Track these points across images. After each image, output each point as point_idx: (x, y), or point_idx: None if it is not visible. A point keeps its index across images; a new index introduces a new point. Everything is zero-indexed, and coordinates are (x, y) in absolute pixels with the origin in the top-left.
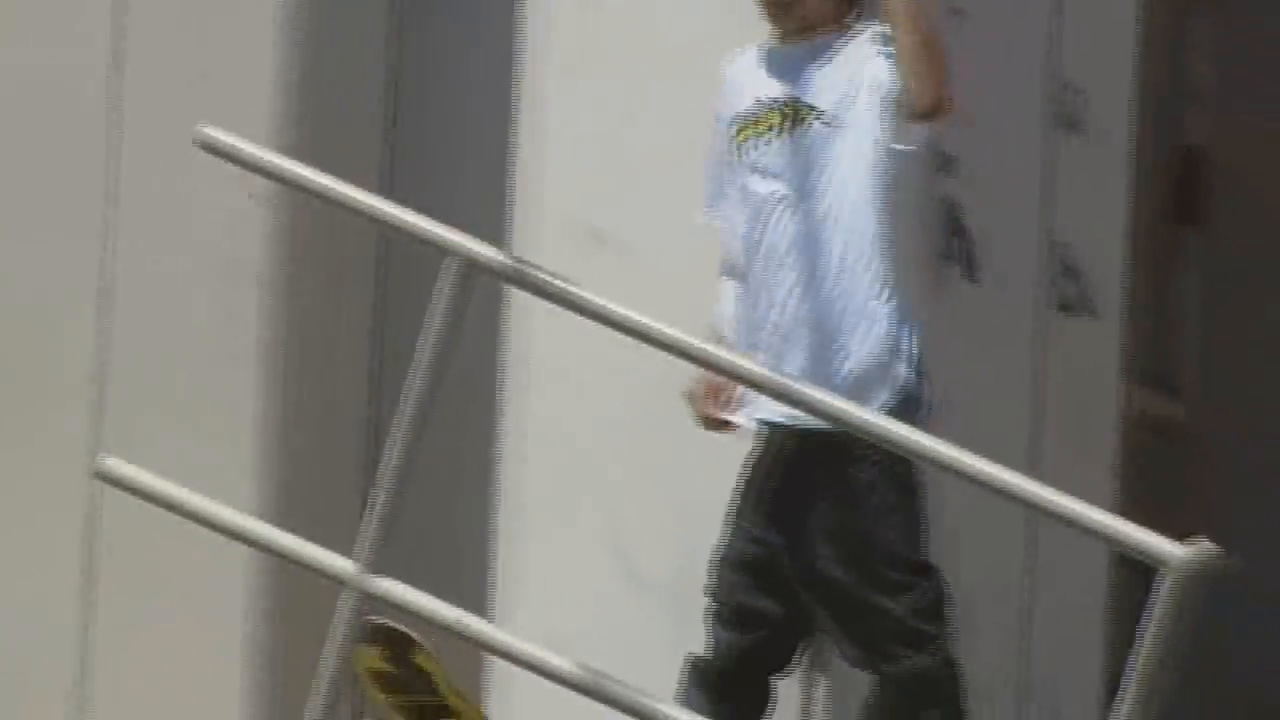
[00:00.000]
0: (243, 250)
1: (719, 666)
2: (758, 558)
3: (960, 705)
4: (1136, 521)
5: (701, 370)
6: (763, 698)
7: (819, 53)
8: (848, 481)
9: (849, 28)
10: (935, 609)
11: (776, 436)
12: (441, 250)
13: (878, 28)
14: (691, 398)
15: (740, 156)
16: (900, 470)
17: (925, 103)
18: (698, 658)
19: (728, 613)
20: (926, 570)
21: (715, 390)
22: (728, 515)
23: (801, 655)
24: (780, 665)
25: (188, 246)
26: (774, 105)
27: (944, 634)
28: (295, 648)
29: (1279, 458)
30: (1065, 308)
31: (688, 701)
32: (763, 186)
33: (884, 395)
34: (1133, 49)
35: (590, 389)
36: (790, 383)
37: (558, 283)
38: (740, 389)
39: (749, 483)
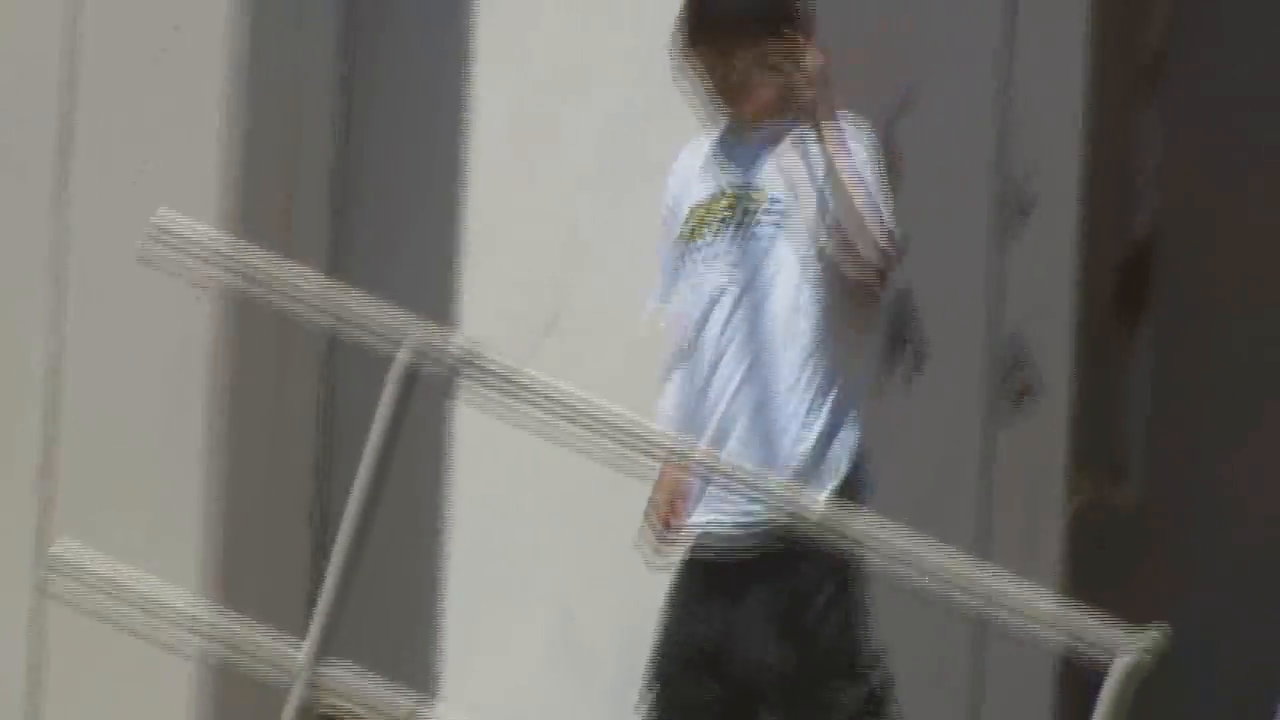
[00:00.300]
0: (190, 338)
1: None
2: (700, 651)
3: None
4: (1087, 607)
5: (660, 480)
6: None
7: (769, 141)
8: (791, 577)
9: (790, 114)
10: (883, 697)
11: (717, 533)
12: (392, 337)
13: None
14: (653, 506)
15: (691, 246)
16: (843, 563)
17: (864, 271)
18: None
19: (667, 702)
20: (873, 660)
21: (679, 499)
22: (666, 607)
23: None
24: None
25: (135, 335)
26: (724, 195)
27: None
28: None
29: (1227, 542)
30: (1014, 397)
31: None
32: (711, 278)
33: (827, 484)
34: (1080, 141)
35: (536, 465)
36: (738, 470)
37: (507, 370)
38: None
39: (687, 580)
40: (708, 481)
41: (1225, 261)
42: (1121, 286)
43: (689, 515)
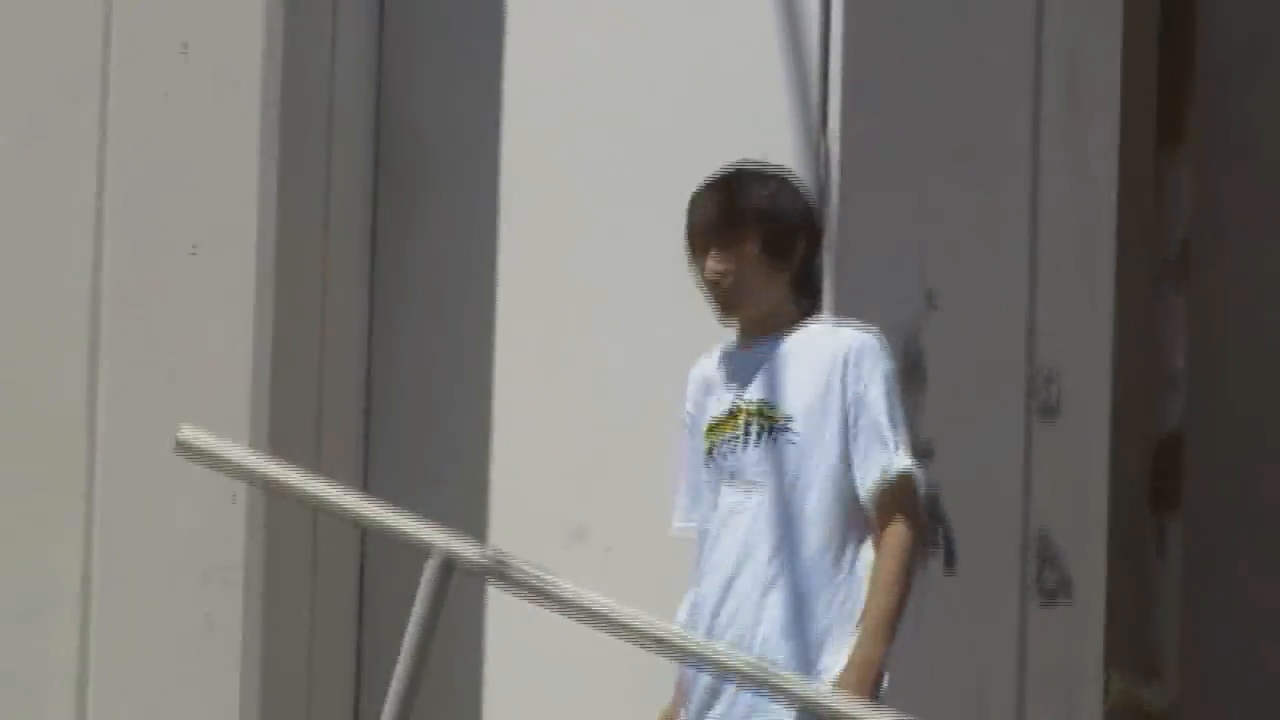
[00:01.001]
0: (222, 551)
1: None
2: None
3: None
4: None
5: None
6: None
7: (778, 355)
8: None
9: (805, 325)
10: None
11: None
12: (422, 546)
13: (834, 330)
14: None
15: (709, 462)
16: None
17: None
18: None
19: None
20: None
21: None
22: None
23: None
24: None
25: (166, 547)
26: (740, 410)
27: None
28: None
29: None
30: (1046, 596)
31: None
32: (732, 491)
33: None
34: (1108, 338)
35: (564, 667)
36: (767, 668)
37: (535, 578)
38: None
39: None
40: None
41: (1253, 455)
42: (1153, 482)
43: (703, 714)
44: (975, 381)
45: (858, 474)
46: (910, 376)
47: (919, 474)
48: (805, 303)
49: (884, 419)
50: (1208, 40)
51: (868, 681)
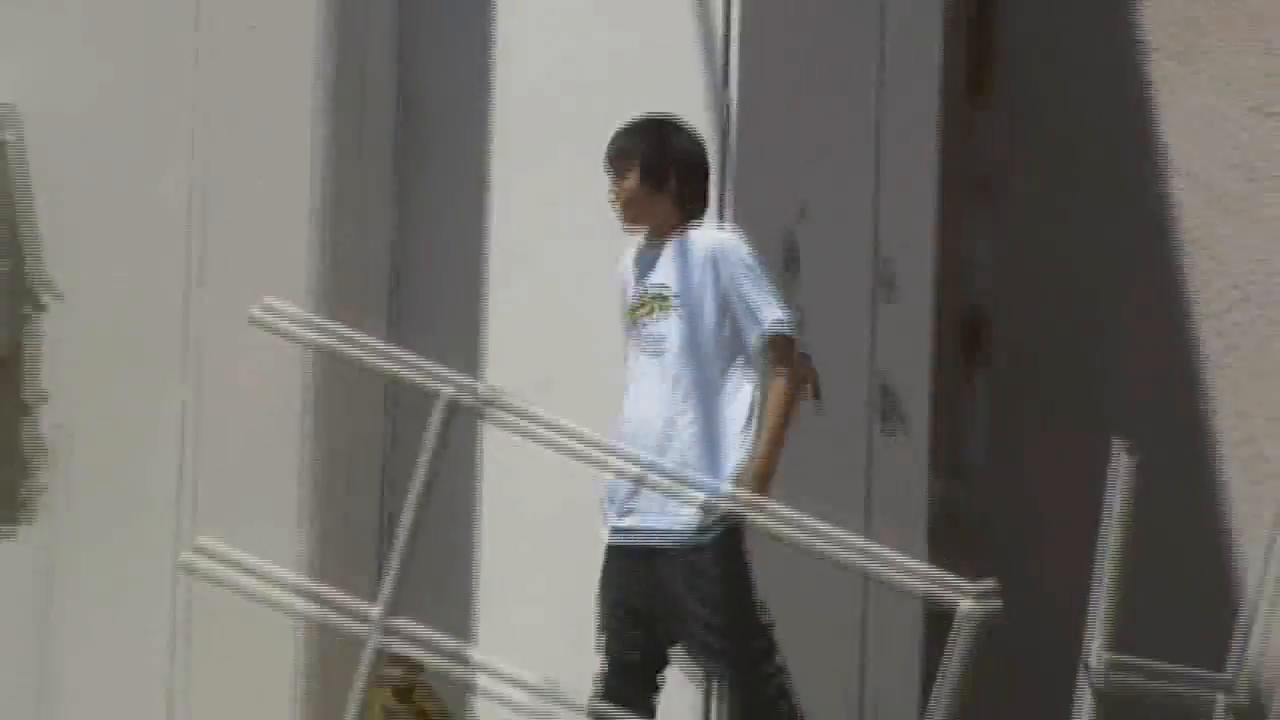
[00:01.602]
0: (290, 386)
1: (607, 685)
2: (630, 610)
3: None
4: (942, 570)
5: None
6: (646, 703)
7: (666, 253)
8: (693, 564)
9: (685, 233)
10: (771, 650)
11: (642, 529)
12: (434, 385)
13: (706, 233)
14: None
15: (632, 330)
16: (730, 550)
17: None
18: (597, 676)
19: (610, 648)
20: (763, 624)
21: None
22: (601, 578)
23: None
24: (651, 681)
25: (250, 384)
26: (645, 295)
27: (780, 672)
28: (333, 683)
29: (1041, 531)
30: (886, 426)
31: (596, 703)
32: (648, 345)
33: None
34: (931, 235)
35: (543, 488)
36: (671, 473)
37: (521, 410)
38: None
39: (615, 559)
40: (636, 488)
41: (1043, 323)
42: (964, 344)
43: (619, 516)
44: (835, 270)
45: (746, 337)
46: (787, 267)
47: (788, 320)
48: (694, 213)
49: (750, 292)
50: (1006, 21)
51: (764, 481)
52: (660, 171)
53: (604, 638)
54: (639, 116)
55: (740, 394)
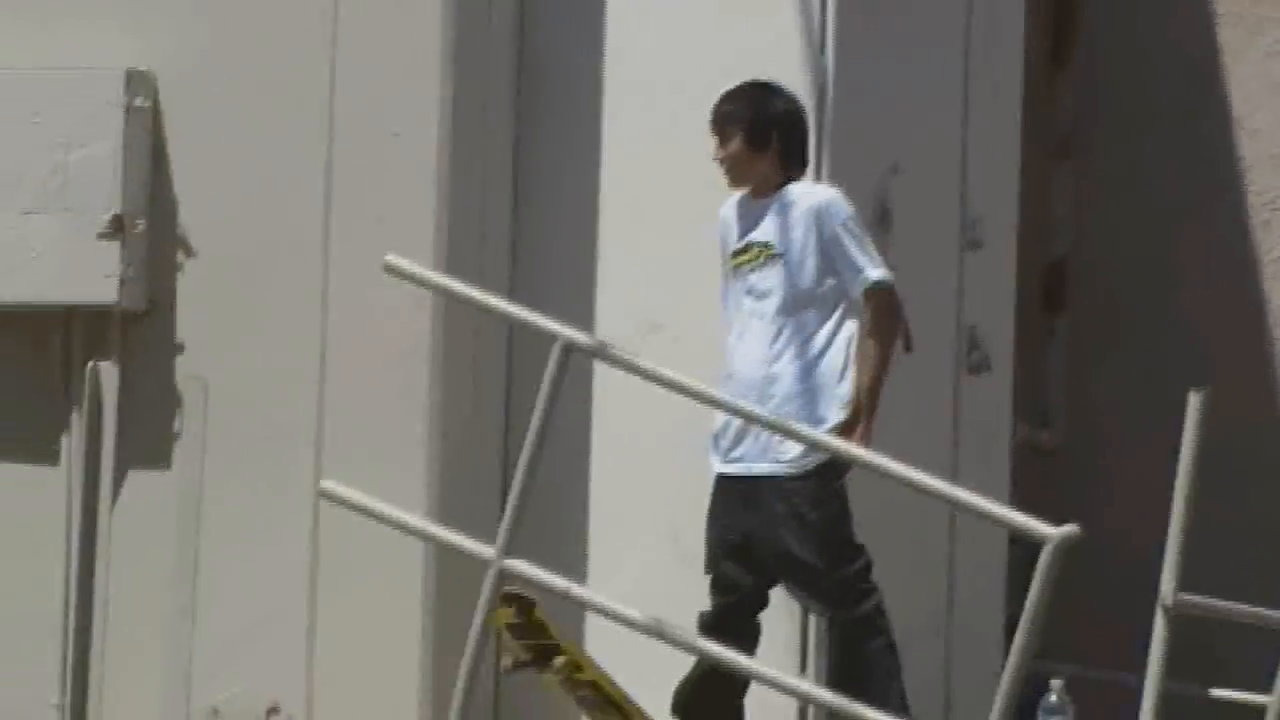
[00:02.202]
0: (418, 338)
1: (713, 617)
2: (735, 545)
3: (891, 639)
4: (1026, 511)
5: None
6: (751, 635)
7: (770, 209)
8: (794, 491)
9: (787, 189)
10: (866, 573)
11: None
12: (549, 334)
13: (809, 189)
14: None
15: (734, 278)
16: (829, 478)
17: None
18: (702, 611)
19: (716, 582)
20: (858, 548)
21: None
22: (708, 515)
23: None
24: (755, 614)
25: (381, 336)
26: (751, 245)
27: (876, 590)
28: (455, 615)
29: (1121, 472)
30: (972, 369)
31: (703, 637)
32: (749, 300)
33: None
34: (1015, 193)
35: (653, 424)
36: (775, 421)
37: (628, 358)
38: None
39: (721, 503)
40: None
41: (1119, 273)
42: (1045, 294)
43: (724, 462)
44: (925, 224)
45: (848, 289)
46: (881, 223)
47: (887, 277)
48: (795, 171)
49: (852, 247)
50: None
51: (862, 430)
52: (762, 134)
53: (710, 571)
54: (741, 82)
55: (838, 345)
